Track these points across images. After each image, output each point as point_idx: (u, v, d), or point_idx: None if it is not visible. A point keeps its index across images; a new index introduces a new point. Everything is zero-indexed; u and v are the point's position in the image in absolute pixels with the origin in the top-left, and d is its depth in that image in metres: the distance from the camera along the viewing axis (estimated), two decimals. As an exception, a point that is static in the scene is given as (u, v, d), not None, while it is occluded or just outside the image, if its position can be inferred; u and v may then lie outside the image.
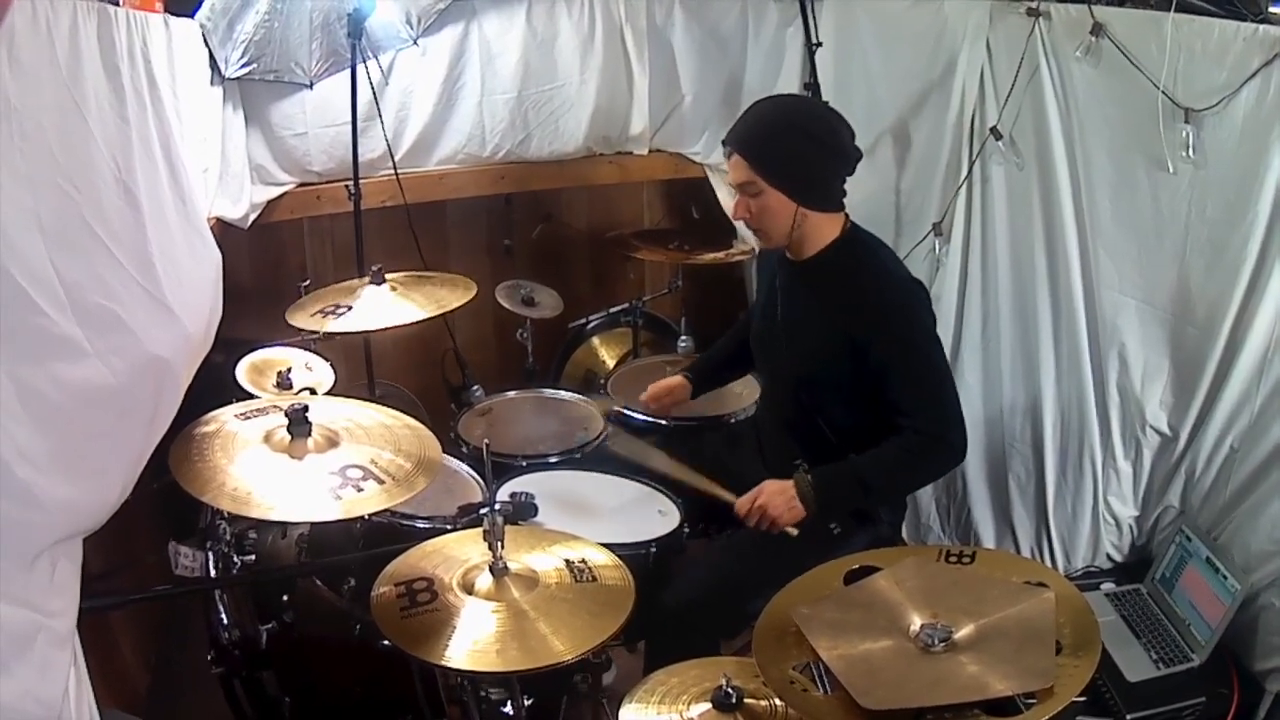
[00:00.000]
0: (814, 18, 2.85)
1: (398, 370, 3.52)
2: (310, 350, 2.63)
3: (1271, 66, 2.05)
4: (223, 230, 2.96)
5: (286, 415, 1.89)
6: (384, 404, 2.29)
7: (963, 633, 1.55)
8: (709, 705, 1.66)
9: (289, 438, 1.88)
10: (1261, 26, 2.06)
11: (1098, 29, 2.35)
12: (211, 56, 2.70)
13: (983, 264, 2.82)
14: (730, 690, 1.64)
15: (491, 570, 1.83)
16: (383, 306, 2.67)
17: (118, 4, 1.96)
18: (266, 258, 3.43)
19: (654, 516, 2.51)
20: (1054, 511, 2.74)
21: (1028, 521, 2.82)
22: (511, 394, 3.13)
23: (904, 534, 3.10)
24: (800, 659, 1.58)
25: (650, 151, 3.65)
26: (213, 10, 2.59)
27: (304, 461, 1.86)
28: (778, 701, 1.66)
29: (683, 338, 3.47)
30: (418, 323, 2.61)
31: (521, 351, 3.52)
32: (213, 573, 2.07)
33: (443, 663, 1.67)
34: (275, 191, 3.20)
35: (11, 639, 1.10)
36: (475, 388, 3.09)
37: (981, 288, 2.84)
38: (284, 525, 2.33)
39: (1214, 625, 2.27)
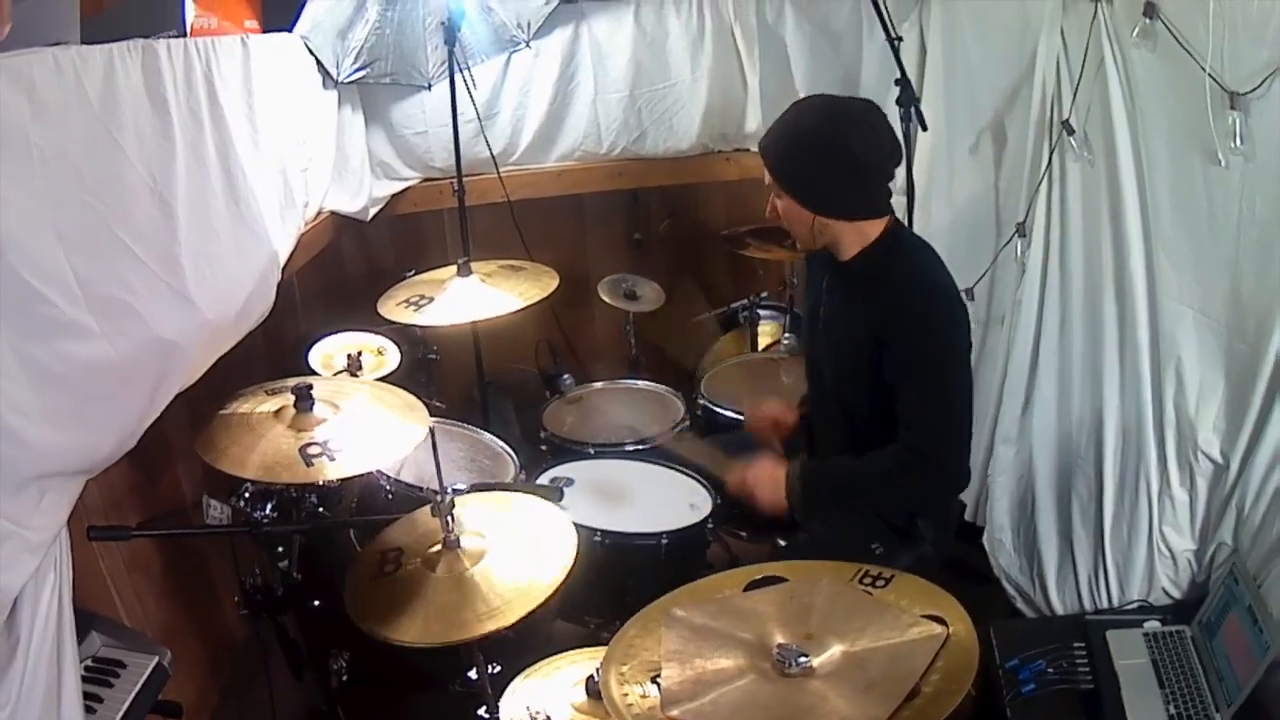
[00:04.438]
0: (887, 11, 2.73)
1: (510, 349, 3.75)
2: (387, 336, 2.90)
3: (1313, 39, 1.80)
4: (350, 224, 3.33)
5: (293, 393, 2.16)
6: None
7: (823, 658, 1.52)
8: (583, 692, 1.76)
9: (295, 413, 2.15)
10: (1301, -6, 1.82)
11: (1150, 9, 2.13)
12: (320, 64, 3.03)
13: (1060, 267, 2.62)
14: (600, 679, 1.72)
15: (444, 544, 1.99)
16: (468, 299, 2.88)
17: (185, 34, 2.31)
18: (410, 246, 3.77)
19: (684, 509, 2.59)
20: (1110, 537, 2.50)
21: (1087, 545, 2.59)
22: (599, 384, 3.29)
23: (985, 544, 2.97)
24: (653, 657, 1.61)
25: (769, 149, 3.66)
26: (315, 22, 2.91)
27: (311, 433, 2.11)
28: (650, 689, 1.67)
29: (786, 335, 3.48)
30: (483, 321, 2.82)
31: (627, 342, 3.67)
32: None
33: (392, 634, 1.83)
34: (399, 186, 3.56)
35: None
36: (566, 377, 3.26)
37: (1060, 293, 2.63)
38: (340, 489, 2.64)
39: (1242, 684, 2.01)
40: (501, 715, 1.81)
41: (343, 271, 3.53)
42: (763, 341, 3.86)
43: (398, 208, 3.58)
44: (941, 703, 1.41)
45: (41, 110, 1.58)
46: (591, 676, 1.75)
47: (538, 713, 1.78)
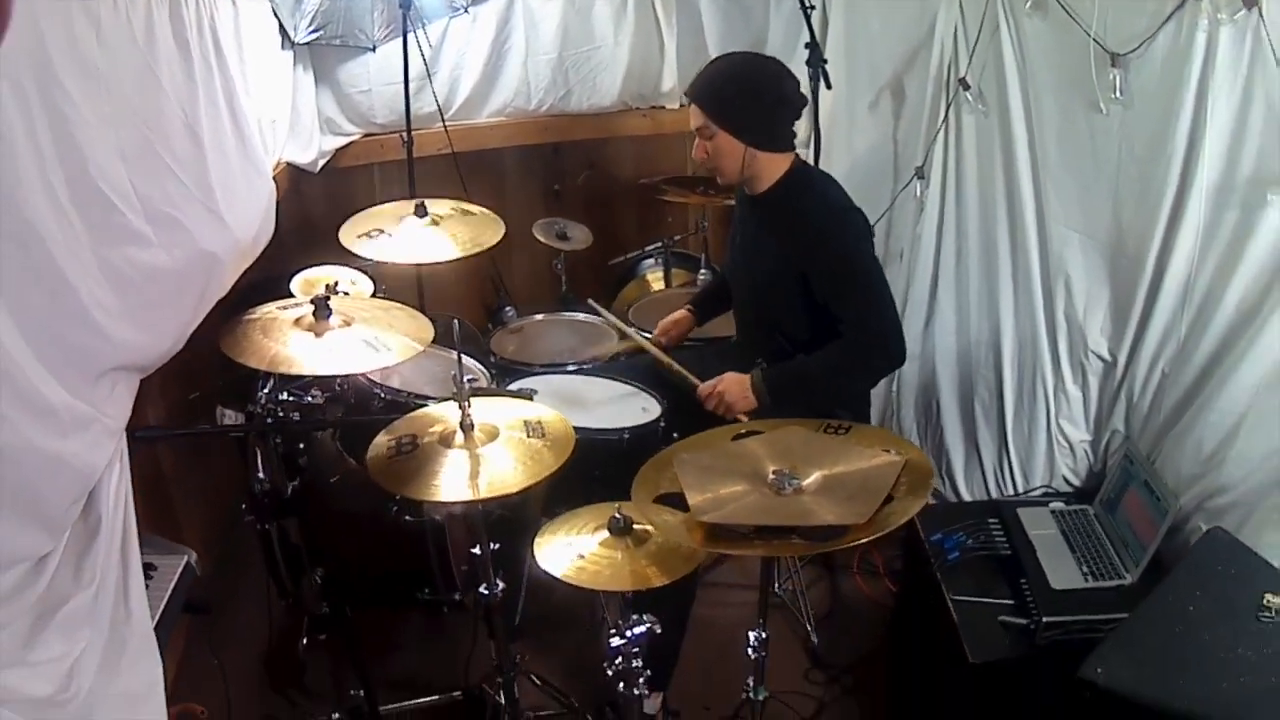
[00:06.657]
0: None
1: (450, 291, 3.93)
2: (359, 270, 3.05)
3: (1183, 10, 2.22)
4: (298, 175, 3.44)
5: (312, 303, 2.32)
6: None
7: (809, 480, 1.84)
8: (606, 531, 2.04)
9: (314, 320, 2.30)
10: (1174, -27, 2.22)
11: (1042, -16, 2.57)
12: (281, 25, 3.17)
13: (957, 205, 3.06)
14: (619, 517, 2.02)
15: (461, 427, 2.16)
16: (420, 238, 2.96)
17: (189, -14, 2.43)
18: (341, 198, 3.86)
19: (638, 412, 2.83)
20: (1012, 434, 2.95)
21: (990, 442, 3.05)
22: (539, 316, 3.52)
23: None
24: (670, 490, 1.92)
25: (681, 106, 4.02)
26: (279, -15, 3.06)
27: (324, 337, 2.26)
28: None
29: (702, 271, 3.83)
30: (443, 263, 2.96)
31: (557, 279, 3.95)
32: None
33: (417, 495, 2.02)
34: (343, 141, 3.72)
35: (76, 420, 1.57)
36: (508, 309, 3.51)
37: (956, 227, 3.07)
38: (326, 405, 2.78)
39: (1147, 545, 2.32)
40: (547, 567, 2.05)
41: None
42: (648, 288, 4.16)
43: (340, 161, 3.72)
44: (912, 500, 1.77)
45: (105, 41, 1.74)
46: (614, 515, 2.03)
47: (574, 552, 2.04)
